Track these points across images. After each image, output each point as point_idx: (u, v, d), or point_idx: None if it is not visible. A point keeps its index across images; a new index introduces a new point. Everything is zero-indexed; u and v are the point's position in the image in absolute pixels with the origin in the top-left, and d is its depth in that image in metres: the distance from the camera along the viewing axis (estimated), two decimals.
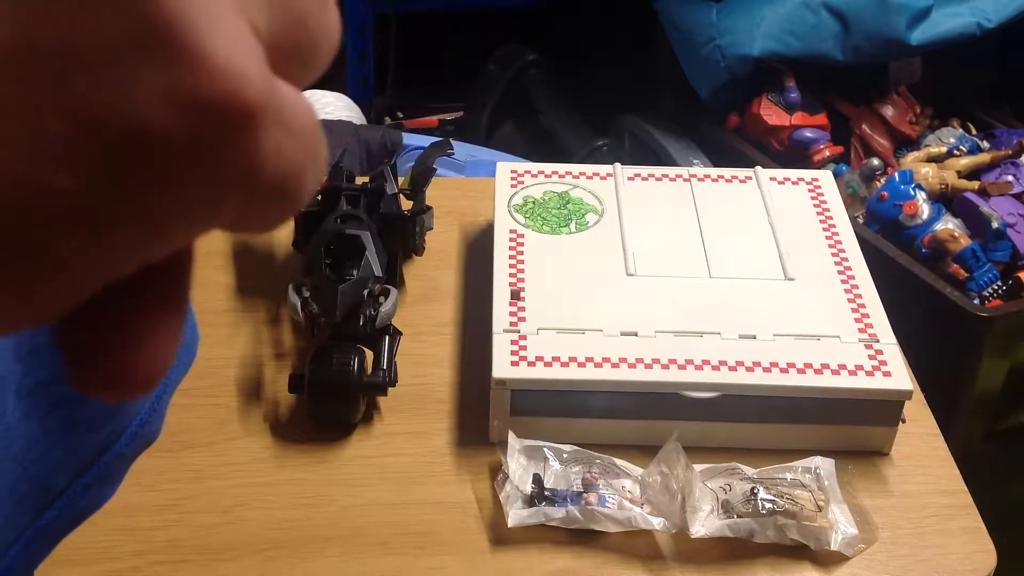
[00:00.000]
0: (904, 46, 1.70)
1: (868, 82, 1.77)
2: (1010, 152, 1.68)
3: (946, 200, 1.59)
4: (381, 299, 0.79)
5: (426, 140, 1.62)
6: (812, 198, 0.94)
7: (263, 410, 0.81)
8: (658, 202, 0.93)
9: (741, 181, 0.96)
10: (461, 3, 2.19)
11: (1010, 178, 1.66)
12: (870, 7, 1.68)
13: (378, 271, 0.80)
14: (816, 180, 0.97)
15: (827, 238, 0.90)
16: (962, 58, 1.77)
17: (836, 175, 1.63)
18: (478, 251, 0.97)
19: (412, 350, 0.85)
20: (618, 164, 0.98)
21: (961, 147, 1.70)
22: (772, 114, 1.73)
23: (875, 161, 1.62)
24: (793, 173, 0.97)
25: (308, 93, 1.84)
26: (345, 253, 0.81)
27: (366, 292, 0.78)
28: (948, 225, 1.49)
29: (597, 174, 0.97)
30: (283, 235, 0.97)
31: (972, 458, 1.45)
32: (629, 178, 0.96)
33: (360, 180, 0.93)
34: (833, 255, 0.88)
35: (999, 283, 1.43)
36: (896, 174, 1.56)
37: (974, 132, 1.77)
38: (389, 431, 0.80)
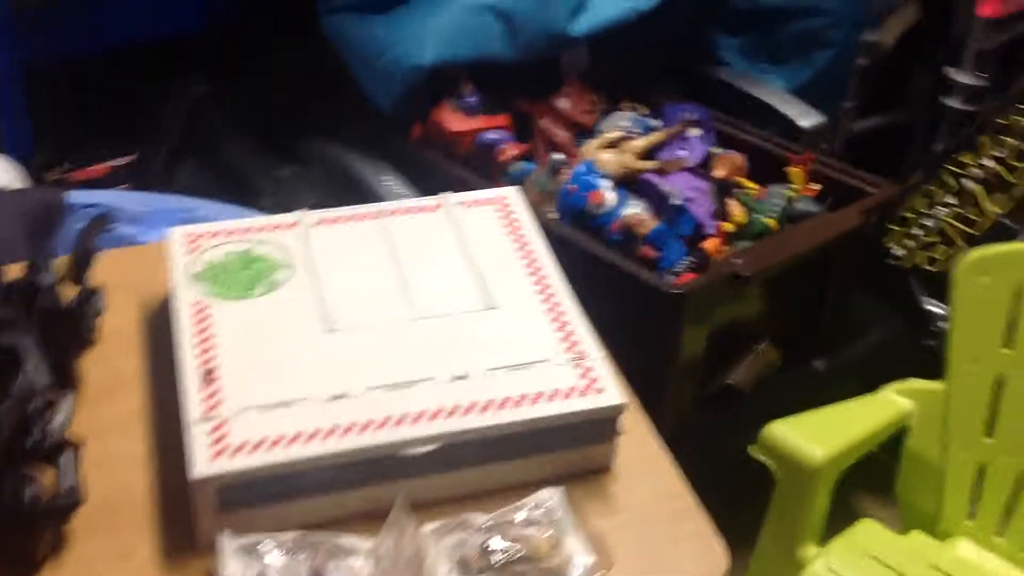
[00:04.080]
0: (568, 38, 1.75)
1: (543, 77, 1.81)
2: (680, 128, 1.76)
3: (630, 182, 1.65)
4: (51, 412, 0.70)
5: (96, 195, 1.49)
6: (502, 219, 0.93)
7: None
8: (350, 246, 0.89)
9: (431, 210, 0.93)
10: (114, 41, 2.02)
11: (683, 153, 1.74)
12: (531, 4, 1.71)
13: (44, 379, 0.71)
14: (504, 198, 0.96)
15: (522, 259, 0.89)
16: (625, 41, 1.84)
17: (524, 174, 1.65)
18: (162, 327, 0.89)
19: (100, 453, 0.77)
20: (303, 211, 0.93)
21: (635, 129, 1.77)
22: (453, 120, 1.73)
23: (557, 156, 1.65)
24: (481, 194, 0.96)
25: None
26: (2, 366, 0.72)
27: (33, 407, 0.69)
28: (634, 209, 1.54)
29: (281, 225, 0.91)
30: None
31: (685, 423, 1.51)
32: (315, 224, 0.91)
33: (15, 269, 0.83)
34: (531, 275, 0.87)
35: (688, 257, 1.50)
36: (578, 166, 1.60)
37: (646, 112, 1.84)
38: (87, 555, 0.71)
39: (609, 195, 1.56)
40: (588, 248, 1.48)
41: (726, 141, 1.77)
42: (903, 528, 1.37)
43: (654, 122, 1.81)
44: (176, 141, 1.91)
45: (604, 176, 1.60)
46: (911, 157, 2.12)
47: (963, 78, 1.98)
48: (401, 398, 0.76)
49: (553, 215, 1.59)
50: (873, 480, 1.45)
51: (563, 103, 1.80)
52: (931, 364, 1.49)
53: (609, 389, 0.78)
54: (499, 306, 0.84)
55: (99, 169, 1.96)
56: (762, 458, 1.25)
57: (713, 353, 1.50)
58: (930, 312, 1.71)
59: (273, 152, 1.84)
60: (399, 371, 0.78)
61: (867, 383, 1.44)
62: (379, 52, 1.70)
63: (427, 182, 1.67)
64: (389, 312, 0.83)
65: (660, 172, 1.67)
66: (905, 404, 1.34)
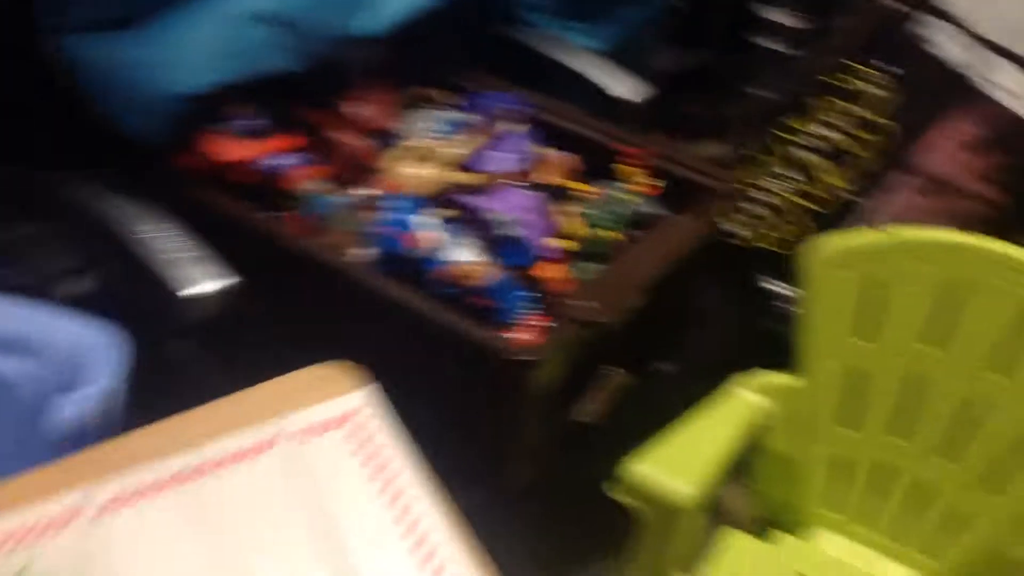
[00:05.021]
0: (354, 38, 1.50)
1: (331, 81, 1.55)
2: (496, 125, 1.56)
3: (447, 203, 1.45)
4: None
5: None
6: (353, 447, 0.72)
7: None
8: (159, 534, 0.67)
9: (260, 452, 0.72)
10: None
11: (503, 156, 1.55)
12: (310, 7, 1.44)
13: None
14: (353, 412, 0.75)
15: (387, 503, 0.69)
16: (418, 27, 1.60)
17: (325, 208, 1.41)
18: None
19: None
20: (87, 492, 0.69)
21: (443, 130, 1.56)
22: (230, 147, 1.46)
23: (360, 191, 1.42)
24: (322, 414, 0.74)
25: None
26: None
27: None
28: (462, 254, 1.34)
29: (56, 520, 0.67)
30: None
31: (545, 453, 1.38)
32: (105, 508, 0.68)
33: None
34: (399, 525, 0.68)
35: (527, 299, 1.32)
36: (389, 200, 1.38)
37: (453, 104, 1.62)
38: None
39: (428, 235, 1.35)
40: (417, 308, 1.27)
41: (547, 131, 1.59)
42: (758, 515, 1.36)
43: (464, 116, 1.60)
44: None
45: (421, 207, 1.39)
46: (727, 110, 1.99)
47: (777, 17, 1.86)
48: None
49: (362, 256, 1.37)
50: None
51: (358, 108, 1.56)
52: (773, 348, 1.42)
53: None
54: None
55: None
56: (624, 500, 1.15)
57: (562, 393, 1.35)
58: (770, 293, 1.62)
59: (2, 204, 1.51)
60: None
61: (714, 375, 1.36)
62: (132, 79, 1.40)
63: (204, 224, 1.40)
64: None
65: (480, 188, 1.48)
66: (760, 403, 1.28)
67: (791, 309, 1.57)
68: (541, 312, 1.32)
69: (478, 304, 1.29)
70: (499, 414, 1.28)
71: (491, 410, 1.28)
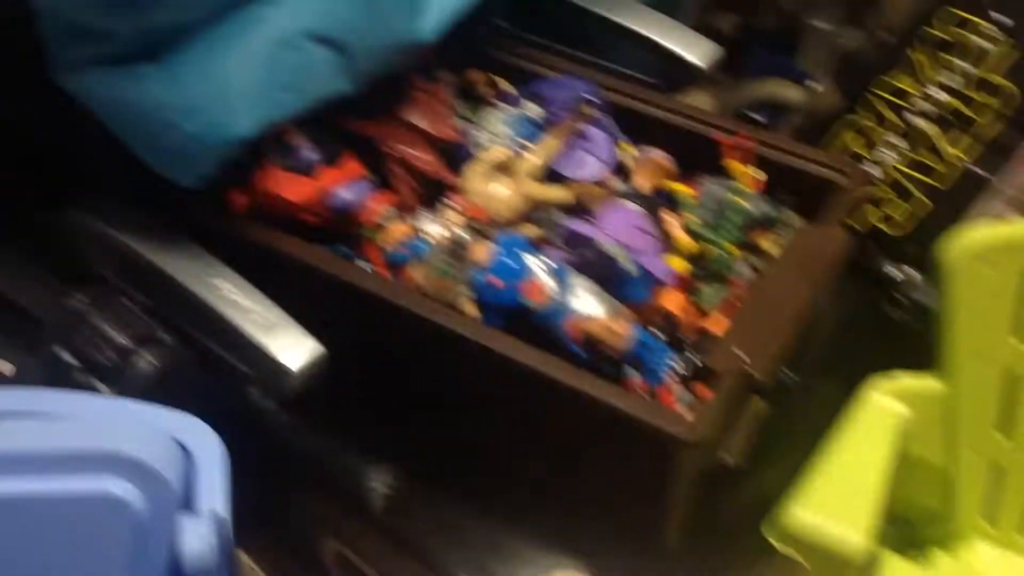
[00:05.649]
0: (418, 44, 1.29)
1: (381, 93, 1.35)
2: (568, 121, 1.37)
3: (548, 232, 1.28)
4: None
5: None
6: None
7: None
8: None
9: None
10: None
11: (584, 158, 1.37)
12: (362, 18, 1.24)
13: None
14: None
15: None
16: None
17: (416, 251, 1.24)
18: None
19: None
20: None
21: (518, 132, 1.37)
22: (289, 185, 1.27)
23: (458, 232, 1.24)
24: None
25: None
26: None
27: None
28: (585, 301, 1.17)
29: None
30: None
31: (696, 507, 1.26)
32: None
33: None
34: None
35: (671, 353, 1.17)
36: (497, 245, 1.20)
37: (513, 92, 1.43)
38: None
39: (546, 279, 1.19)
40: (548, 374, 1.11)
41: (620, 118, 1.41)
42: (901, 526, 1.24)
43: (531, 112, 1.41)
44: None
45: (528, 246, 1.22)
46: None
47: None
48: None
49: (471, 305, 1.20)
50: None
51: (415, 116, 1.37)
52: (898, 340, 1.30)
53: None
54: None
55: None
56: (787, 551, 1.05)
57: (713, 445, 1.21)
58: (892, 279, 1.48)
59: (38, 264, 1.31)
60: None
61: (838, 376, 1.23)
62: (168, 120, 1.18)
63: (274, 276, 1.22)
64: None
65: (577, 207, 1.31)
66: (904, 412, 1.16)
67: (917, 298, 1.46)
68: (684, 364, 1.17)
69: (612, 360, 1.14)
70: (650, 483, 1.15)
71: (640, 478, 1.14)
